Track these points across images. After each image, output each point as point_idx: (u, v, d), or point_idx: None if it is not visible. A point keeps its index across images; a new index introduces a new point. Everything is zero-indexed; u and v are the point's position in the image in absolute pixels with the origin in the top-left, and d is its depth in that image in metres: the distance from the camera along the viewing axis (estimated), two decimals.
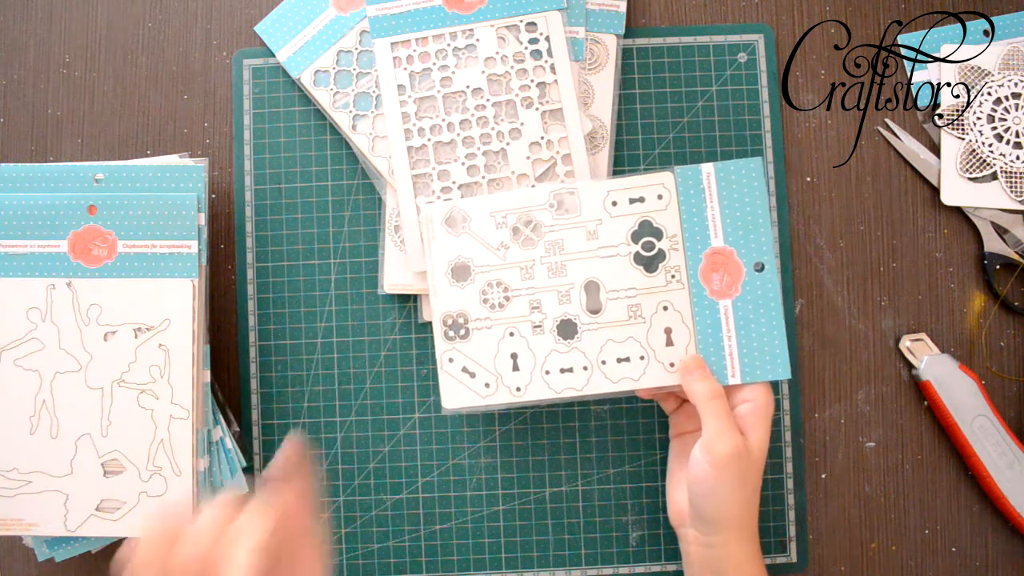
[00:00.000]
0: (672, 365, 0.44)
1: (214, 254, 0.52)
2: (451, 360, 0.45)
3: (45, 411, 0.46)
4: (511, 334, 0.44)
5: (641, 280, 0.44)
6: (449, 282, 0.45)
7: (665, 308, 0.44)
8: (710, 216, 0.44)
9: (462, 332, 0.45)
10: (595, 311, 0.44)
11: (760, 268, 0.43)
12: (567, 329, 0.44)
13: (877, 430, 0.52)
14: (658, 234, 0.44)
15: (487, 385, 0.45)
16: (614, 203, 0.44)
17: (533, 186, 0.50)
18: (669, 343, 0.44)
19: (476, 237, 0.45)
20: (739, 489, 0.41)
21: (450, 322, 0.45)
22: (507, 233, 0.45)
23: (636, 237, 0.44)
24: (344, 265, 0.52)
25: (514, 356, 0.44)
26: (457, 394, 0.45)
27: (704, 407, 0.42)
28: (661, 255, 0.44)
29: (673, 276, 0.44)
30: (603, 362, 0.44)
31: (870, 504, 0.52)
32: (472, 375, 0.45)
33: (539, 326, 0.44)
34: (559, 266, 0.44)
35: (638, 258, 0.44)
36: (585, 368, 0.44)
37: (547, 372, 0.44)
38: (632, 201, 0.44)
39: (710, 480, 0.41)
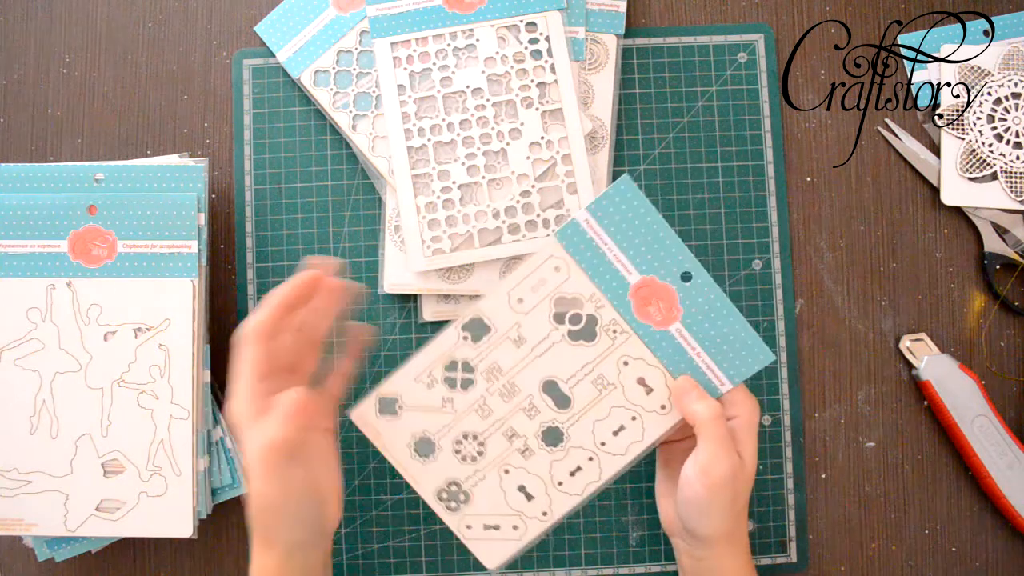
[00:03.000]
0: (663, 407, 0.42)
1: (214, 254, 0.52)
2: (469, 527, 0.43)
3: (45, 411, 0.46)
4: (506, 472, 0.43)
5: (589, 353, 0.42)
6: (421, 462, 0.43)
7: (626, 363, 0.42)
8: (613, 258, 0.42)
9: (461, 497, 0.43)
10: (566, 406, 0.43)
11: (687, 278, 0.41)
12: (552, 436, 0.43)
13: (877, 430, 0.52)
14: (577, 303, 0.42)
15: (515, 528, 0.43)
16: (520, 300, 0.42)
17: (533, 186, 0.50)
18: (649, 391, 0.42)
19: (416, 409, 0.43)
20: (730, 507, 0.41)
21: (445, 496, 0.43)
22: (442, 388, 0.43)
23: (559, 319, 0.42)
24: (344, 265, 0.52)
25: (522, 488, 0.43)
26: (495, 552, 0.43)
27: (704, 428, 0.40)
28: (592, 320, 0.42)
29: (614, 332, 0.42)
30: (603, 444, 0.43)
31: (870, 504, 0.52)
32: (496, 528, 0.43)
33: (526, 449, 0.43)
34: (508, 387, 0.43)
35: (573, 335, 0.42)
36: (591, 459, 0.43)
37: (560, 484, 0.43)
38: (535, 288, 0.42)
39: (702, 501, 0.40)
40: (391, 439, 0.43)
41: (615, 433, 0.42)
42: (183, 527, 0.46)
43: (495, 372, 0.42)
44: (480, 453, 0.43)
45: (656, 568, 0.51)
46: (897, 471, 0.52)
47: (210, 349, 0.48)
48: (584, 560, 0.51)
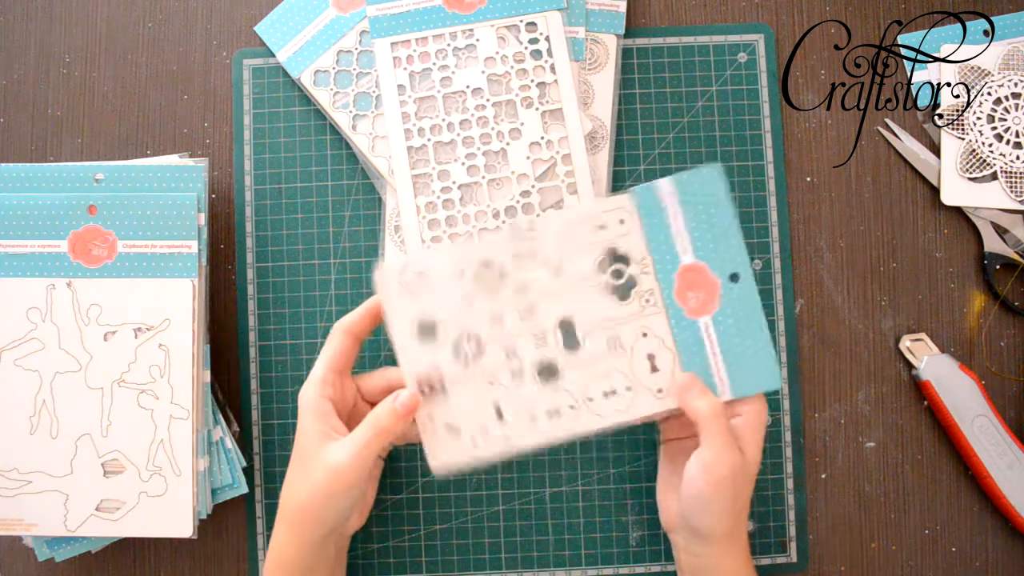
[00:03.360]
0: (660, 391, 0.42)
1: (214, 254, 0.52)
2: (431, 419, 0.42)
3: (45, 411, 0.46)
4: (490, 384, 0.42)
5: (616, 310, 0.42)
6: (417, 341, 0.42)
7: (644, 335, 0.42)
8: (675, 233, 0.42)
9: (438, 388, 0.42)
10: (573, 349, 0.42)
11: (735, 279, 0.42)
12: (548, 371, 0.42)
13: (877, 430, 0.52)
14: (625, 260, 0.42)
15: (474, 440, 0.42)
16: (577, 234, 0.42)
17: (533, 186, 0.50)
18: (654, 369, 0.42)
19: (437, 291, 0.42)
20: (732, 505, 0.41)
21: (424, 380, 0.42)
22: (469, 282, 0.42)
23: (603, 267, 0.42)
24: (344, 265, 0.52)
25: (497, 406, 0.42)
26: (445, 453, 0.42)
27: (706, 425, 0.40)
28: (632, 281, 0.42)
29: (648, 300, 0.42)
30: (590, 399, 0.42)
31: (870, 504, 0.52)
32: (457, 432, 0.42)
33: (518, 372, 0.42)
34: (530, 308, 0.42)
35: (609, 288, 0.42)
36: (572, 407, 0.42)
37: (534, 418, 0.42)
38: (593, 230, 0.42)
39: (705, 498, 0.40)
40: (401, 310, 0.42)
41: (605, 395, 0.42)
42: (183, 527, 0.46)
43: (524, 289, 0.42)
44: (475, 357, 0.42)
45: (656, 568, 0.51)
46: (897, 471, 0.52)
47: (210, 349, 0.48)
48: (584, 560, 0.51)
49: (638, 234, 0.42)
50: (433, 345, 0.42)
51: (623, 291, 0.42)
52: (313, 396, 0.42)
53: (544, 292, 0.42)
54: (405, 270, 0.42)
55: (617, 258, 0.42)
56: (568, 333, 0.42)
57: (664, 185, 0.42)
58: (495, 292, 0.42)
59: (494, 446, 0.42)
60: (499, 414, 0.42)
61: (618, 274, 0.42)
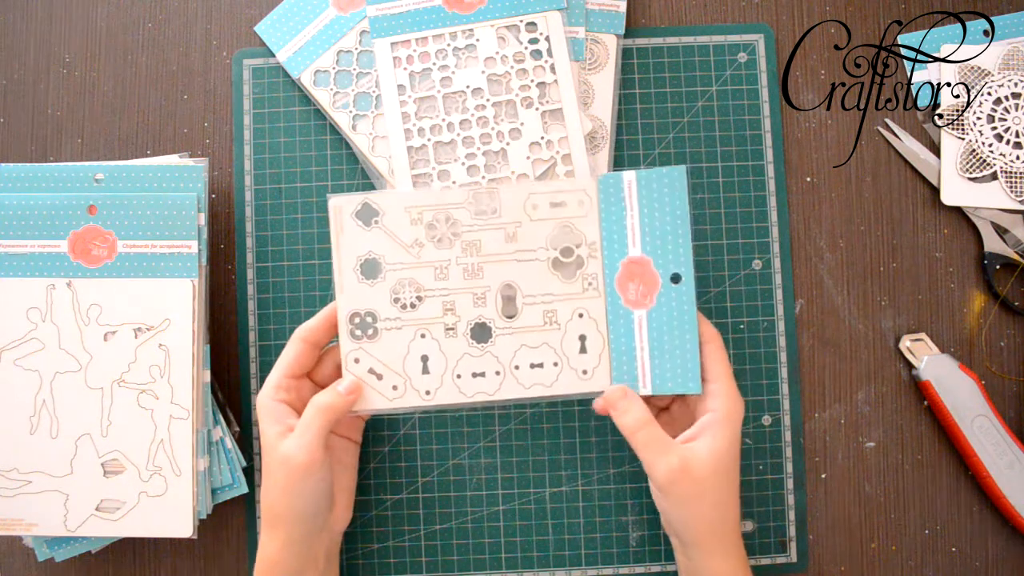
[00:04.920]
0: (585, 372, 0.43)
1: (214, 254, 0.52)
2: (357, 361, 0.43)
3: (45, 411, 0.46)
4: (422, 336, 0.43)
5: (558, 286, 0.43)
6: (358, 278, 0.43)
7: (581, 315, 0.43)
8: (629, 224, 0.43)
9: (370, 332, 0.43)
10: (510, 315, 0.43)
11: (676, 279, 0.42)
12: (481, 333, 0.43)
13: (877, 430, 0.52)
14: (577, 240, 0.43)
15: (395, 388, 0.43)
16: (535, 206, 0.43)
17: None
18: (583, 350, 0.43)
19: (389, 233, 0.43)
20: (693, 507, 0.41)
21: (357, 320, 0.43)
22: (422, 230, 0.43)
23: (555, 242, 0.43)
24: None
25: (424, 359, 0.43)
26: (363, 396, 0.43)
27: (632, 439, 0.42)
28: (579, 261, 0.43)
29: (590, 284, 0.43)
30: (516, 367, 0.43)
31: (870, 504, 0.52)
32: (379, 377, 0.43)
33: (452, 328, 0.43)
34: (475, 268, 0.43)
35: (556, 264, 0.43)
36: (498, 373, 0.43)
37: (458, 376, 0.43)
38: (553, 205, 0.43)
39: (662, 503, 0.42)
40: (349, 244, 0.43)
41: (532, 366, 0.43)
42: (183, 527, 0.46)
43: (474, 248, 0.43)
44: (412, 306, 0.43)
45: (656, 568, 0.51)
46: (897, 471, 0.52)
47: (210, 349, 0.48)
48: (584, 560, 0.51)
49: (594, 218, 0.43)
50: (373, 285, 0.43)
51: (569, 270, 0.43)
52: (267, 401, 0.43)
53: (493, 255, 0.43)
54: (362, 204, 0.43)
55: (569, 236, 0.43)
56: (508, 299, 0.43)
57: (628, 176, 0.43)
58: (446, 245, 0.43)
59: (414, 398, 0.43)
60: (425, 367, 0.43)
61: (567, 252, 0.43)
